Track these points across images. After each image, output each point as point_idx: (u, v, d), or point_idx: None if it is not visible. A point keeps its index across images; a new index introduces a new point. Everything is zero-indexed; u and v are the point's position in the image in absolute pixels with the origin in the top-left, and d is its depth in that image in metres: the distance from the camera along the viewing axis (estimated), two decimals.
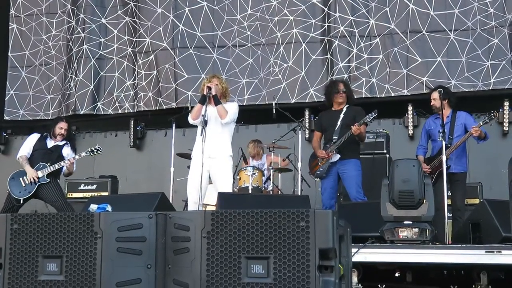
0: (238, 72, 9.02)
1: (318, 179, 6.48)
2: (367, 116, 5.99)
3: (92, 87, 9.45)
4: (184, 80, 9.19)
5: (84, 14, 9.64)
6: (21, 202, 6.30)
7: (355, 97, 7.71)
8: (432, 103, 6.36)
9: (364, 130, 6.21)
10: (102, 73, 9.53)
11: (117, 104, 9.39)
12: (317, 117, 8.59)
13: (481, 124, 6.11)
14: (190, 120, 5.86)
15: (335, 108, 6.32)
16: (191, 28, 9.24)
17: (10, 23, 10.15)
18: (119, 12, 9.55)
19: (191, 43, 9.21)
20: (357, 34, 8.61)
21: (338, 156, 6.08)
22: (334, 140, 6.13)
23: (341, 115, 6.19)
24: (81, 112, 9.46)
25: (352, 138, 6.08)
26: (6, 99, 10.02)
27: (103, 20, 9.63)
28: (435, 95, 6.36)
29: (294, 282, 2.58)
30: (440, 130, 5.89)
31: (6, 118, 10.01)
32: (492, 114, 6.12)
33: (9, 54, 10.11)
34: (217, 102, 5.76)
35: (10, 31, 10.14)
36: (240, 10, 9.10)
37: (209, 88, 5.72)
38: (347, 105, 6.28)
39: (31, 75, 9.98)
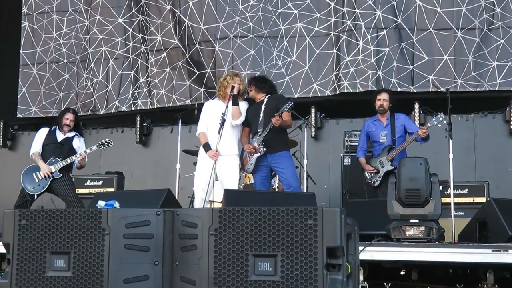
0: (240, 63, 8.94)
1: (250, 174, 6.39)
2: (285, 106, 5.83)
3: (110, 87, 9.54)
4: (196, 77, 9.17)
5: (101, 15, 9.71)
6: (35, 197, 6.35)
7: (356, 90, 7.80)
8: (381, 103, 6.40)
9: (289, 118, 6.03)
10: (119, 72, 9.57)
11: (131, 101, 9.43)
12: (323, 114, 8.60)
13: (429, 126, 6.13)
14: (198, 134, 6.01)
15: (257, 100, 6.23)
16: (196, 22, 9.20)
17: (22, 21, 10.20)
18: (133, 10, 9.58)
19: (197, 38, 9.19)
20: (363, 26, 8.45)
21: (264, 149, 5.93)
22: (259, 133, 5.99)
23: (263, 106, 6.06)
24: (101, 112, 9.58)
25: (277, 127, 5.92)
26: (18, 96, 10.05)
27: (120, 20, 9.65)
28: (385, 96, 6.45)
29: (301, 280, 2.58)
30: (384, 133, 6.34)
31: (19, 115, 10.05)
32: (439, 116, 6.11)
33: (21, 51, 10.15)
34: (235, 102, 5.77)
35: (22, 29, 10.18)
36: (242, 0, 9.05)
37: (233, 88, 5.77)
38: (267, 96, 6.19)
39: (42, 72, 10.02)
